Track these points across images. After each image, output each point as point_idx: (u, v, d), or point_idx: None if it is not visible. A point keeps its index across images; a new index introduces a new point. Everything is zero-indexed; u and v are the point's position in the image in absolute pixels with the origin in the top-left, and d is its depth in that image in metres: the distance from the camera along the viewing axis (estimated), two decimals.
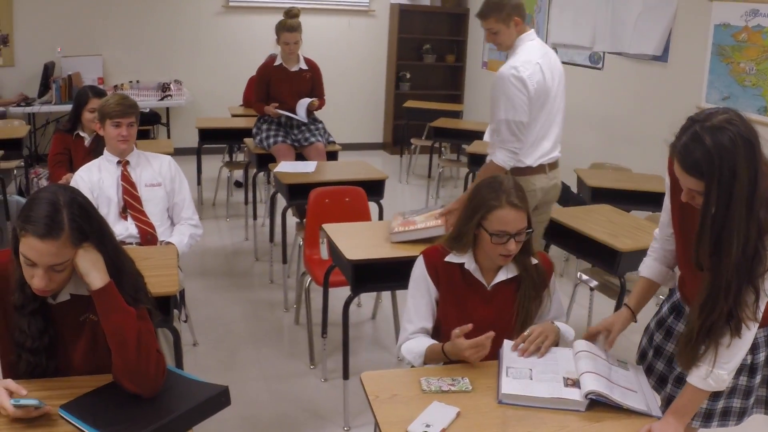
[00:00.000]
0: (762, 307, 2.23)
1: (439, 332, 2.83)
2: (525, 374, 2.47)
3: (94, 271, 2.21)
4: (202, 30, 9.68)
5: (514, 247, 2.70)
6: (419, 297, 2.84)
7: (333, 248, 3.93)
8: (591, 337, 2.69)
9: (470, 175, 7.19)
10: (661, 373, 2.69)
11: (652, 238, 2.78)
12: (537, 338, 2.65)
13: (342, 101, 9.89)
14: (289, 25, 6.15)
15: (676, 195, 2.35)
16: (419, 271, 2.85)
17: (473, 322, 2.69)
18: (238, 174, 8.11)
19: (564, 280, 6.05)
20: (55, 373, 2.33)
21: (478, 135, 7.70)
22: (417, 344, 2.75)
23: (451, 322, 2.73)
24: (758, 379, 2.55)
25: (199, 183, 7.33)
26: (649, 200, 5.71)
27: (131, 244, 3.94)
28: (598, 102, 7.97)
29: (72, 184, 3.99)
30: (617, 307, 4.43)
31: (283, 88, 6.28)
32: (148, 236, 4.05)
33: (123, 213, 4.03)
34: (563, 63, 8.35)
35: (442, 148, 9.71)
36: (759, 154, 2.07)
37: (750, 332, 2.26)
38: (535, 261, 2.86)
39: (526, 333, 2.67)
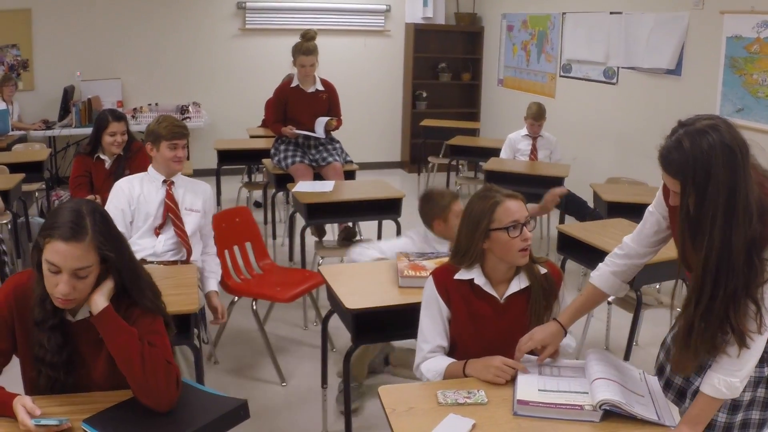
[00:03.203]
0: (766, 321, 2.22)
1: (455, 350, 2.86)
2: (544, 390, 2.49)
3: (97, 295, 2.30)
4: (220, 53, 9.82)
5: (529, 235, 2.76)
6: (431, 317, 2.85)
7: (330, 293, 3.68)
8: (523, 351, 2.68)
9: None
10: (680, 388, 2.63)
11: (665, 249, 2.75)
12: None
13: (359, 121, 9.96)
14: (305, 48, 6.23)
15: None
16: (429, 292, 2.87)
17: (488, 336, 2.76)
18: (257, 194, 8.18)
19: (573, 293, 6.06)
20: (75, 388, 2.38)
21: (495, 152, 7.73)
22: (436, 363, 2.78)
23: (466, 339, 2.79)
24: None
25: (219, 204, 7.40)
26: None
27: (152, 262, 4.01)
28: (614, 117, 8.00)
29: (112, 192, 4.18)
30: (634, 320, 4.46)
31: (300, 109, 6.36)
32: (185, 252, 4.21)
33: (158, 229, 4.12)
34: (577, 79, 8.50)
35: (460, 166, 9.76)
36: (741, 162, 2.09)
37: (760, 340, 2.26)
38: (543, 270, 2.88)
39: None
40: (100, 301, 2.30)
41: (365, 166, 8.42)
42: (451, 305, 2.83)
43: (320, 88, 6.45)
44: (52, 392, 2.36)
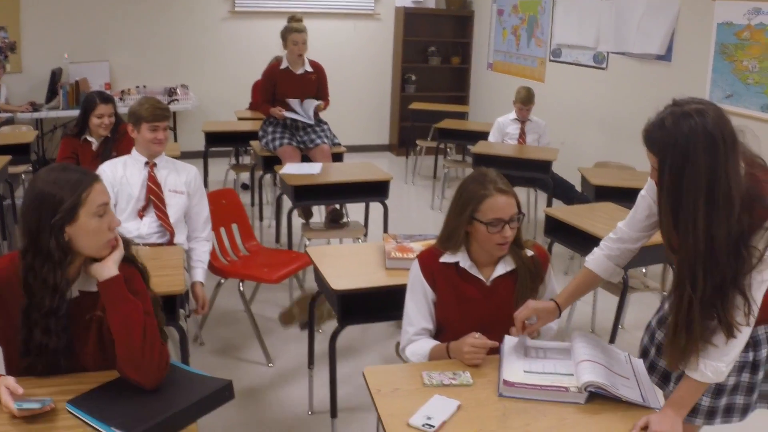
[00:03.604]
0: (755, 310, 2.22)
1: (442, 333, 2.85)
2: (529, 371, 2.50)
3: (110, 261, 2.31)
4: (208, 35, 9.75)
5: (510, 233, 2.72)
6: (416, 300, 2.84)
7: (317, 275, 3.65)
8: (519, 322, 2.68)
9: None
10: (664, 371, 2.69)
11: (610, 235, 2.82)
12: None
13: (348, 104, 9.94)
14: (296, 27, 6.25)
15: None
16: (415, 275, 2.85)
17: (474, 319, 2.75)
18: (245, 176, 8.16)
19: (569, 278, 6.06)
20: (67, 372, 2.36)
21: (483, 135, 7.72)
22: (420, 346, 2.78)
23: (453, 322, 2.78)
24: (761, 375, 2.56)
25: (206, 186, 7.38)
26: None
27: (138, 244, 3.99)
28: (603, 102, 8.00)
29: None
30: (620, 304, 4.47)
31: (289, 90, 6.34)
32: (168, 235, 4.17)
33: (141, 212, 4.10)
34: (567, 64, 8.49)
35: (447, 149, 9.74)
36: (723, 151, 2.08)
37: (746, 330, 2.27)
38: (530, 253, 2.89)
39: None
40: (112, 267, 2.30)
41: (353, 149, 8.42)
42: (437, 288, 2.82)
43: (309, 69, 6.44)
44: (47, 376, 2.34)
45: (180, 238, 4.22)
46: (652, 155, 2.22)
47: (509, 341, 2.69)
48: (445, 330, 2.83)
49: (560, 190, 7.09)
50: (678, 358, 2.31)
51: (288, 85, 6.34)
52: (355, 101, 10.45)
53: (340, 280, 3.40)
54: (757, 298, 2.23)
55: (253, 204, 6.99)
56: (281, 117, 6.26)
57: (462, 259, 2.81)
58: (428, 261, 2.85)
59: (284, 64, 6.40)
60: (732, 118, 2.15)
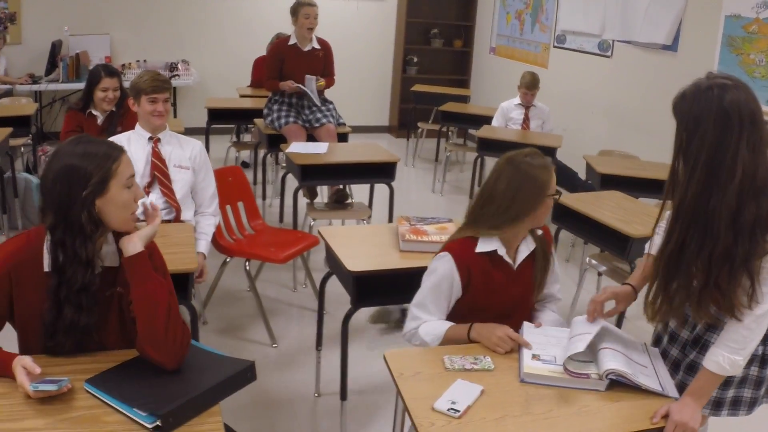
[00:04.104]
0: (759, 297, 2.27)
1: (463, 319, 2.75)
2: (550, 360, 2.49)
3: (136, 237, 2.30)
4: (210, 10, 9.66)
5: None
6: (439, 294, 2.75)
7: (330, 255, 3.64)
8: (598, 305, 2.66)
9: (479, 160, 7.19)
10: (675, 359, 2.69)
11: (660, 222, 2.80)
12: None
13: (348, 84, 9.87)
14: (308, 1, 6.19)
15: None
16: (446, 270, 2.73)
17: (501, 304, 2.77)
18: (244, 154, 8.12)
19: (570, 265, 6.08)
20: (89, 350, 2.34)
21: (486, 120, 7.71)
22: (435, 327, 2.72)
23: (480, 310, 2.75)
24: None
25: None
26: (658, 188, 5.72)
27: (145, 221, 3.95)
28: (607, 90, 7.97)
29: None
30: None
31: (297, 66, 6.29)
32: (175, 212, 4.11)
33: (147, 188, 4.05)
34: (571, 50, 8.46)
35: (449, 132, 9.72)
36: (735, 128, 2.18)
37: (761, 321, 2.30)
38: (540, 232, 2.88)
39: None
40: (138, 243, 2.30)
41: (352, 129, 8.29)
42: (470, 282, 2.75)
43: (317, 46, 6.39)
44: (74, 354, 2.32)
45: (187, 214, 4.18)
46: (675, 119, 2.32)
47: (528, 328, 2.69)
48: (468, 317, 2.74)
49: (563, 177, 7.07)
50: (651, 313, 2.50)
51: (295, 62, 6.29)
52: (356, 82, 10.40)
53: (355, 261, 3.37)
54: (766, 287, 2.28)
55: (255, 182, 6.97)
56: (293, 89, 6.20)
57: (498, 246, 2.75)
58: (464, 255, 2.74)
59: (292, 40, 6.34)
60: None
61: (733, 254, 2.23)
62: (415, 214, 6.67)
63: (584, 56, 8.35)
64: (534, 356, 2.51)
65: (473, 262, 2.73)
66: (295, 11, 6.24)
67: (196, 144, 4.30)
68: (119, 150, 2.29)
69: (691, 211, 2.25)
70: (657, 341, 2.84)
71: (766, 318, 2.31)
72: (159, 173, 4.09)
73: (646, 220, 4.46)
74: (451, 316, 2.79)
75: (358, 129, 9.90)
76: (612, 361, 2.39)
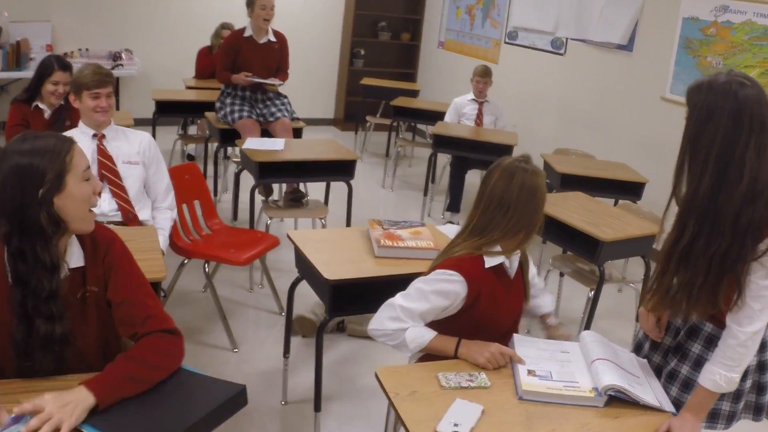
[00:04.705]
0: (741, 303, 2.28)
1: (465, 334, 2.61)
2: (546, 376, 2.42)
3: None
4: None
5: None
6: (433, 307, 2.58)
7: (302, 261, 3.46)
8: (652, 319, 2.71)
9: (434, 157, 7.09)
10: (657, 366, 2.68)
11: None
12: None
13: (294, 76, 9.53)
14: None
15: None
16: (455, 296, 2.57)
17: (508, 317, 2.71)
18: (190, 147, 7.91)
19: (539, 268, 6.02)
20: (71, 365, 2.16)
21: (438, 115, 7.63)
22: (421, 334, 2.56)
23: (483, 324, 2.64)
24: (749, 383, 2.57)
25: None
26: (616, 188, 5.74)
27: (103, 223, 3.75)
28: (560, 87, 7.96)
29: None
30: (596, 295, 4.42)
31: (252, 60, 6.10)
32: (129, 215, 3.89)
33: None
34: (524, 47, 8.41)
35: (398, 127, 9.61)
36: (746, 127, 2.18)
37: (757, 336, 2.32)
38: None
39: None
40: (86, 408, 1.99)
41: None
42: (478, 301, 2.61)
43: (273, 39, 6.21)
44: (55, 374, 2.14)
45: (144, 213, 3.98)
46: (687, 107, 2.32)
47: (519, 341, 2.62)
48: (472, 334, 2.60)
49: None
50: (651, 303, 2.50)
51: (250, 55, 6.10)
52: (302, 74, 10.18)
53: (331, 268, 3.23)
54: (750, 296, 2.28)
55: (205, 177, 6.72)
56: (247, 82, 6.02)
57: (502, 258, 2.65)
58: (475, 274, 2.59)
59: (248, 32, 6.14)
60: None
61: (729, 256, 2.24)
62: (368, 211, 6.60)
63: (537, 53, 8.32)
64: (530, 372, 2.43)
65: (484, 280, 2.61)
66: (251, 2, 6.03)
67: (144, 136, 4.09)
68: (69, 141, 2.12)
69: (704, 205, 2.25)
70: (638, 348, 2.83)
71: (761, 334, 2.34)
72: (107, 172, 3.87)
73: (613, 223, 4.44)
74: (450, 331, 2.61)
75: (304, 122, 9.74)
76: (609, 375, 2.35)
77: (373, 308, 3.38)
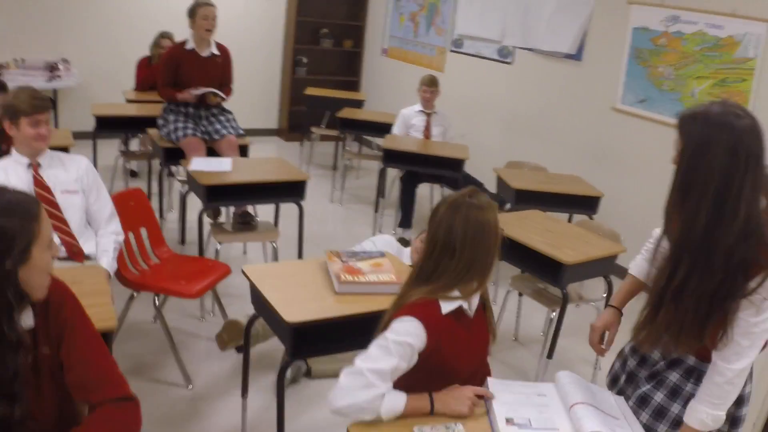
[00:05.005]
0: (727, 340, 2.27)
1: (427, 384, 2.43)
2: (525, 424, 2.30)
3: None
4: (93, 5, 8.97)
5: None
6: (399, 360, 2.33)
7: (259, 299, 3.28)
8: (597, 335, 2.81)
9: (385, 171, 6.95)
10: (643, 394, 2.62)
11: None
12: None
13: (236, 86, 9.42)
14: (207, 1, 5.78)
15: None
16: (416, 340, 2.35)
17: (470, 361, 2.54)
18: (133, 163, 7.64)
19: (491, 287, 5.92)
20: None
21: (385, 126, 7.52)
22: (394, 403, 2.33)
23: (450, 371, 2.46)
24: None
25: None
26: (571, 202, 5.68)
27: None
28: (508, 97, 7.89)
29: None
30: (560, 317, 4.34)
31: (194, 74, 5.86)
32: (74, 249, 3.67)
33: None
34: (470, 55, 8.32)
35: (345, 139, 9.45)
36: (742, 163, 2.14)
37: (743, 373, 2.31)
38: None
39: None
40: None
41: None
42: (440, 348, 2.41)
43: (216, 51, 5.98)
44: None
45: (89, 246, 3.77)
46: (678, 137, 2.26)
47: (493, 384, 2.49)
48: (434, 382, 2.43)
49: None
50: (641, 335, 2.45)
51: (192, 69, 5.86)
52: (244, 83, 9.90)
53: (291, 310, 3.04)
54: (739, 333, 2.26)
55: (149, 195, 6.49)
56: (193, 99, 5.81)
57: (461, 301, 2.47)
58: (432, 320, 2.39)
59: (190, 45, 5.88)
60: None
61: (719, 293, 2.22)
62: (317, 226, 6.42)
63: (483, 62, 8.24)
64: (508, 420, 2.31)
65: (442, 326, 2.41)
66: (192, 12, 5.78)
67: (81, 161, 3.87)
68: (35, 204, 1.94)
69: (698, 241, 2.21)
70: (614, 380, 2.81)
71: (747, 371, 2.33)
72: (46, 204, 3.53)
73: (574, 244, 4.36)
74: (412, 381, 2.42)
75: (246, 132, 9.51)
76: (590, 421, 2.26)
77: (336, 348, 3.27)
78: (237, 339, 4.28)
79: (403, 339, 2.32)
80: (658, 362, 2.57)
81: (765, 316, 2.24)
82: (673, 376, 2.50)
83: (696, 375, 2.45)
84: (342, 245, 4.60)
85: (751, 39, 5.41)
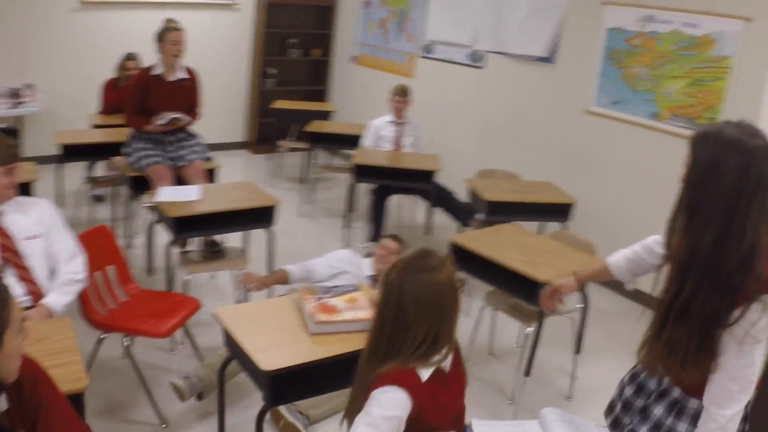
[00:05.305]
0: (721, 389, 2.22)
1: None
2: None
3: None
4: (56, 29, 8.73)
5: None
6: (391, 429, 2.22)
7: (233, 343, 3.21)
8: (550, 290, 3.12)
9: (354, 185, 6.82)
10: (630, 430, 2.57)
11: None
12: None
13: (204, 99, 9.35)
14: (176, 26, 5.68)
15: None
16: (402, 413, 2.24)
17: (450, 410, 2.44)
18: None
19: (464, 299, 5.86)
20: None
21: (354, 139, 7.44)
22: None
23: (434, 425, 2.38)
24: None
25: (62, 205, 6.72)
26: (544, 210, 5.66)
27: None
28: (480, 102, 7.83)
29: None
30: (537, 331, 4.33)
31: (163, 99, 5.74)
32: (40, 298, 3.53)
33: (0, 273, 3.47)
34: (441, 61, 8.24)
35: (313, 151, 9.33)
36: (754, 183, 2.09)
37: (736, 417, 2.25)
38: None
39: None
40: None
41: (209, 148, 7.55)
42: (422, 412, 2.31)
43: (184, 76, 5.86)
44: None
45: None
46: (689, 155, 2.22)
47: (478, 426, 2.50)
48: None
49: (442, 200, 6.84)
50: (645, 356, 2.39)
51: (161, 95, 5.74)
52: (211, 97, 9.78)
53: (267, 355, 2.97)
54: (727, 377, 2.21)
55: (114, 219, 6.33)
56: (160, 130, 5.70)
57: (436, 364, 2.36)
58: (416, 389, 2.28)
59: (158, 69, 5.75)
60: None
61: (715, 318, 2.17)
62: (286, 242, 6.29)
63: (455, 67, 8.16)
64: None
65: (425, 392, 2.31)
66: (160, 37, 5.67)
67: (41, 204, 3.76)
68: (3, 288, 1.89)
69: (705, 260, 2.16)
70: (610, 408, 2.74)
71: (740, 415, 2.27)
72: (10, 254, 3.51)
73: (550, 260, 4.31)
74: None
75: (213, 147, 9.28)
76: None
77: (316, 390, 3.21)
78: (210, 385, 4.18)
79: (391, 413, 2.22)
80: (652, 393, 2.51)
81: (752, 359, 2.18)
82: (657, 410, 2.45)
83: (678, 409, 2.39)
84: None
85: (728, 37, 5.38)
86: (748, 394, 2.23)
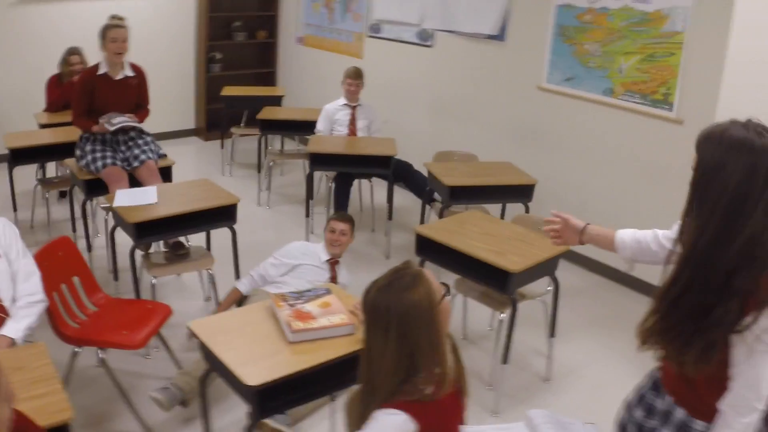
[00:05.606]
0: (738, 396, 2.17)
1: None
2: None
3: None
4: None
5: None
6: None
7: (213, 358, 3.16)
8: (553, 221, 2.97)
9: (312, 174, 6.77)
10: None
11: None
12: None
13: (152, 88, 9.18)
14: (116, 23, 5.57)
15: None
16: (404, 428, 2.20)
17: (455, 423, 2.40)
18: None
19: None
20: None
21: (307, 125, 7.44)
22: None
23: None
24: None
25: (15, 209, 6.58)
26: (505, 192, 5.68)
27: None
28: (433, 81, 7.82)
29: None
30: (511, 323, 4.34)
31: (109, 99, 5.63)
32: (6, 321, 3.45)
33: None
34: (389, 40, 8.19)
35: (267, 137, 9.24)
36: (762, 180, 2.06)
37: (747, 422, 2.19)
38: None
39: None
40: None
41: (159, 137, 7.37)
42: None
43: (130, 73, 5.75)
44: None
45: None
46: (695, 155, 2.20)
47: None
48: None
49: (400, 173, 6.82)
50: (641, 335, 2.34)
51: (107, 94, 5.62)
52: (158, 85, 9.62)
53: (249, 371, 2.94)
54: (743, 384, 2.16)
55: (74, 230, 6.20)
56: (107, 131, 5.57)
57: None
58: (421, 411, 2.22)
59: (102, 69, 5.62)
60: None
61: (713, 316, 2.13)
62: (248, 235, 6.24)
63: (403, 46, 8.13)
64: None
65: (431, 418, 2.25)
66: (102, 35, 5.53)
67: None
68: None
69: (702, 256, 2.14)
70: (622, 429, 2.65)
71: (755, 423, 2.21)
72: None
73: (519, 247, 4.34)
74: None
75: (164, 135, 9.29)
76: None
77: (300, 400, 3.20)
78: (190, 394, 4.14)
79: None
80: (660, 413, 2.47)
81: (765, 370, 2.14)
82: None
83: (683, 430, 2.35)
84: None
85: (679, 12, 5.41)
86: (762, 403, 2.19)
